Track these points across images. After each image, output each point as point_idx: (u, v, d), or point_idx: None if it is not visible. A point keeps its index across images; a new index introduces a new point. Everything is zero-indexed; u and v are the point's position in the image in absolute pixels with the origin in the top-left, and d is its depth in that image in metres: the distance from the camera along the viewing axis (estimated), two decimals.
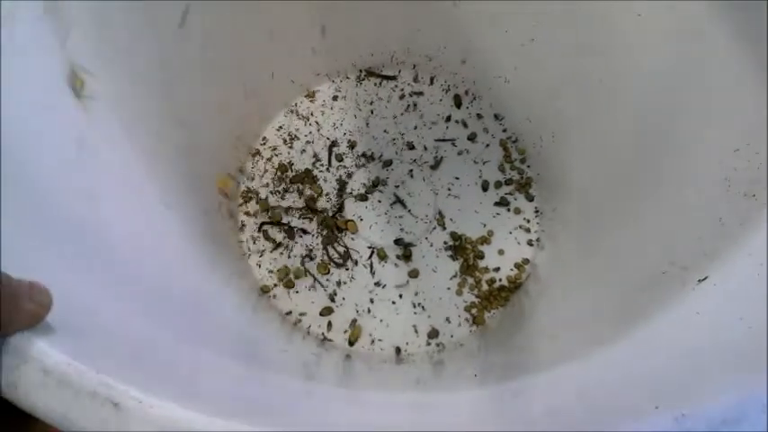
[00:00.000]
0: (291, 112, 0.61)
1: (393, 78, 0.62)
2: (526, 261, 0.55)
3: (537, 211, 0.57)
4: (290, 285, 0.54)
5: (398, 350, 0.52)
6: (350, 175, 0.58)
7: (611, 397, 0.24)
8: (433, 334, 0.52)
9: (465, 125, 0.60)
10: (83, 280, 0.24)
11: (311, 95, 0.61)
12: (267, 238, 0.55)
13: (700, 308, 0.28)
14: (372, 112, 0.61)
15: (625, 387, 0.24)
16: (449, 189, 0.57)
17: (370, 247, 0.55)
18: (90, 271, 0.26)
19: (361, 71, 0.62)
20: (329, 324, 0.53)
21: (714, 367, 0.22)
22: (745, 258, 0.29)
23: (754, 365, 0.20)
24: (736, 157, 0.34)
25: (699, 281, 0.30)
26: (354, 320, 0.53)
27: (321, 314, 0.53)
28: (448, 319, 0.53)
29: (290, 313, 0.53)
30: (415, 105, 0.61)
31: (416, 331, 0.52)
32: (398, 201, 0.57)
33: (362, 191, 0.57)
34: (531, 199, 0.57)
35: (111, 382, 0.18)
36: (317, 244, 0.55)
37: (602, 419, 0.21)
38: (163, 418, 0.19)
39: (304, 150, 0.59)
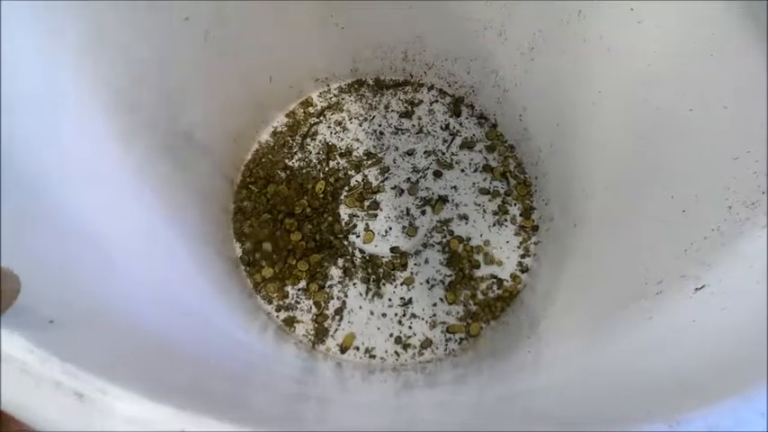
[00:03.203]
0: (288, 116, 0.60)
1: (392, 86, 0.62)
2: (522, 271, 0.54)
3: (534, 221, 0.56)
4: (284, 293, 0.53)
5: (389, 359, 0.51)
6: (346, 182, 0.57)
7: (603, 403, 0.23)
8: (426, 344, 0.51)
9: (463, 134, 0.60)
10: (57, 272, 0.24)
11: (309, 101, 0.61)
12: (259, 243, 0.55)
13: (696, 316, 0.27)
14: (371, 119, 0.60)
15: (617, 393, 0.23)
16: (446, 198, 0.57)
17: (365, 255, 0.54)
18: (66, 263, 0.25)
19: (360, 78, 0.62)
20: (322, 331, 0.52)
21: (710, 374, 0.21)
22: (743, 267, 0.28)
23: (751, 372, 0.19)
24: (735, 165, 0.33)
25: (696, 289, 0.29)
26: (347, 329, 0.52)
27: (314, 321, 0.52)
28: (441, 329, 0.52)
29: (282, 318, 0.52)
30: (413, 113, 0.61)
31: (410, 340, 0.51)
32: (396, 207, 0.56)
33: (359, 198, 0.56)
34: (528, 209, 0.56)
35: (77, 372, 0.18)
36: (318, 254, 0.54)
37: (595, 426, 0.20)
38: (130, 411, 0.18)
39: (301, 156, 0.58)
